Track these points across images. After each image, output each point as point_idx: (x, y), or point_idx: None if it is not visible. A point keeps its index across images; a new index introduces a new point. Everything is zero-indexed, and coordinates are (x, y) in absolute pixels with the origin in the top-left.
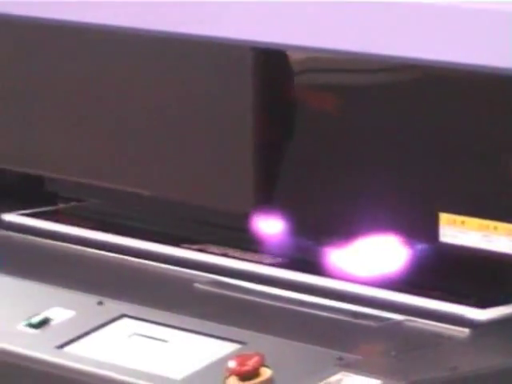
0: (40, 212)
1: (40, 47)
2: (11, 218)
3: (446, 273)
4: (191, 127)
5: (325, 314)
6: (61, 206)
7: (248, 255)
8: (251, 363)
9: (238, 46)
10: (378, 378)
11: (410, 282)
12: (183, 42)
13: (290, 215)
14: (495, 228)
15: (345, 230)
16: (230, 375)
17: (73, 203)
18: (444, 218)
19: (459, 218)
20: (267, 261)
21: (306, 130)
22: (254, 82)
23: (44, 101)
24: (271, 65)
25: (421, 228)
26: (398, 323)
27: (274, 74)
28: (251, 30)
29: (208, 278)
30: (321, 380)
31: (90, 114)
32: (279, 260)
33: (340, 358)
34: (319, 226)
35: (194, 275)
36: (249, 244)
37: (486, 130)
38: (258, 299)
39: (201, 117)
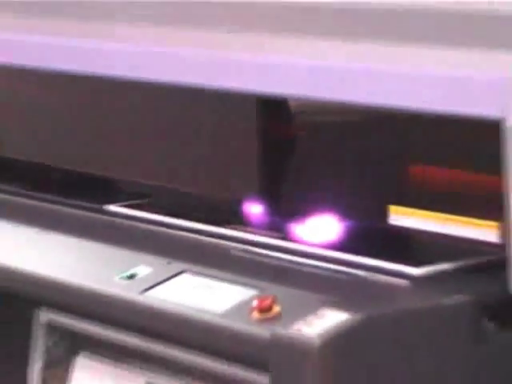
0: (131, 204)
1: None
2: (112, 208)
3: (395, 245)
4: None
5: (312, 270)
6: (142, 200)
7: (260, 232)
8: (267, 302)
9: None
10: (347, 312)
11: (368, 248)
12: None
13: (274, 202)
14: (430, 216)
15: (320, 213)
16: (253, 310)
17: (147, 199)
18: (393, 208)
19: (404, 209)
20: (271, 235)
21: (288, 147)
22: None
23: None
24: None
25: (376, 214)
26: (360, 276)
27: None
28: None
29: (238, 247)
30: (310, 314)
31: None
32: (275, 234)
33: (325, 301)
34: (302, 210)
35: (229, 245)
36: (259, 224)
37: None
38: (270, 261)
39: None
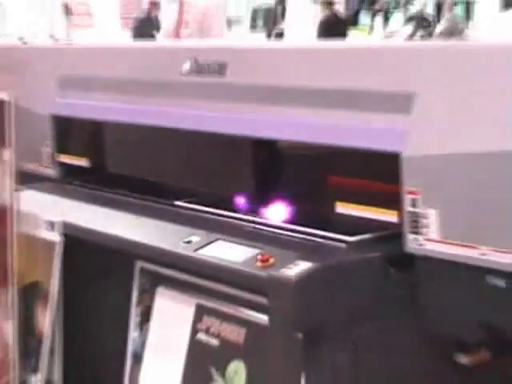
0: (189, 201)
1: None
2: (179, 203)
3: (340, 224)
4: None
5: (290, 239)
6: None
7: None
8: (266, 256)
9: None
10: (311, 262)
11: (324, 226)
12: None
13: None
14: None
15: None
16: (258, 261)
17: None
18: (339, 203)
19: (346, 204)
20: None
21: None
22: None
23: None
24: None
25: (329, 207)
26: (319, 242)
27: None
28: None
29: (248, 225)
30: (289, 264)
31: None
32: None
33: (297, 256)
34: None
35: (243, 224)
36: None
37: None
38: (266, 233)
39: None
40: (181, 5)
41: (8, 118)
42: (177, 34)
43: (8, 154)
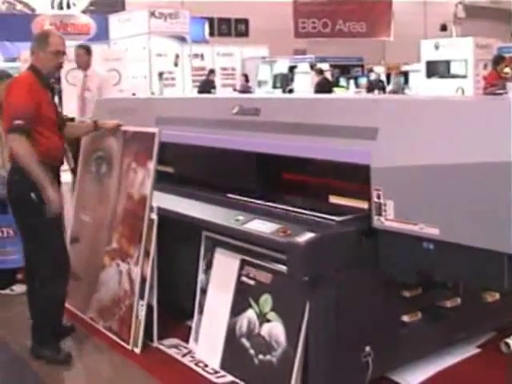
0: (237, 193)
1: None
2: (230, 195)
3: (331, 210)
4: None
5: (302, 218)
6: (238, 192)
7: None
8: (286, 229)
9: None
10: (314, 233)
11: (322, 211)
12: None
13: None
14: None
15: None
16: (281, 232)
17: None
18: (331, 196)
19: (337, 197)
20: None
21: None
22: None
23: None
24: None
25: (324, 198)
26: (319, 221)
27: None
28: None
29: (276, 210)
30: (300, 234)
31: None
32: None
33: (306, 229)
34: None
35: (271, 209)
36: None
37: None
38: (285, 214)
39: None
40: (85, 76)
41: (155, 143)
42: (83, 95)
43: (152, 165)
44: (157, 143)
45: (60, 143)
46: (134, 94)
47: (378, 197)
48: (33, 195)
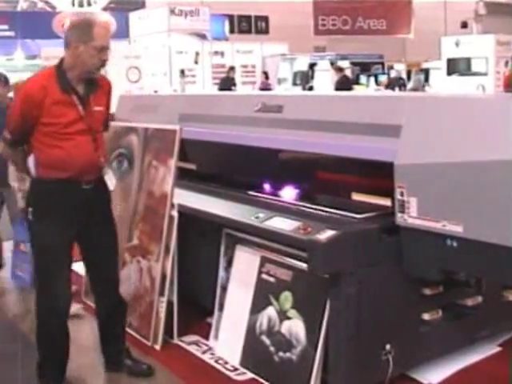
0: (255, 191)
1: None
2: (250, 192)
3: (354, 207)
4: None
5: (322, 215)
6: (258, 190)
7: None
8: (306, 226)
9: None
10: (335, 230)
11: (344, 208)
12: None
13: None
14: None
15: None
16: (301, 229)
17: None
18: (354, 194)
19: (359, 194)
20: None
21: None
22: None
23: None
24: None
25: (347, 195)
26: (341, 218)
27: None
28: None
29: (295, 207)
30: (321, 231)
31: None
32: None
33: (327, 226)
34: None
35: (292, 207)
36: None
37: None
38: (306, 212)
39: None
40: None
41: (176, 141)
42: None
43: (172, 162)
44: (178, 140)
45: (76, 151)
46: (155, 92)
47: (402, 194)
48: (30, 211)
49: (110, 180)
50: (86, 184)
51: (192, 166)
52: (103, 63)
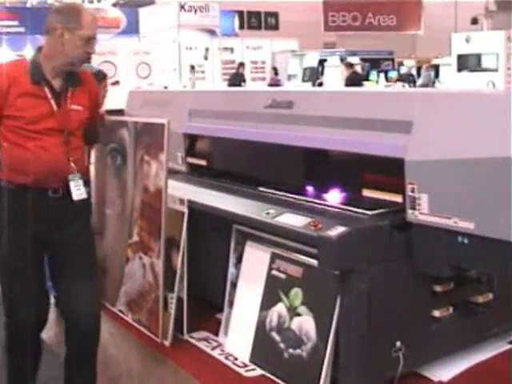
0: (265, 187)
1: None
2: (260, 188)
3: (364, 203)
4: None
5: (333, 211)
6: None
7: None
8: (316, 222)
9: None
10: (345, 227)
11: (355, 204)
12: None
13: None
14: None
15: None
16: (311, 225)
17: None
18: (364, 190)
19: (368, 190)
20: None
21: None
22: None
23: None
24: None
25: (357, 191)
26: (351, 214)
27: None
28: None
29: (305, 203)
30: (331, 227)
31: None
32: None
33: (337, 223)
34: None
35: (303, 202)
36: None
37: None
38: (317, 208)
39: None
40: None
41: (165, 135)
42: None
43: (163, 157)
44: (167, 134)
45: (42, 153)
46: (165, 87)
47: (413, 190)
48: None
49: (78, 189)
50: (53, 192)
51: (202, 162)
52: (89, 56)
